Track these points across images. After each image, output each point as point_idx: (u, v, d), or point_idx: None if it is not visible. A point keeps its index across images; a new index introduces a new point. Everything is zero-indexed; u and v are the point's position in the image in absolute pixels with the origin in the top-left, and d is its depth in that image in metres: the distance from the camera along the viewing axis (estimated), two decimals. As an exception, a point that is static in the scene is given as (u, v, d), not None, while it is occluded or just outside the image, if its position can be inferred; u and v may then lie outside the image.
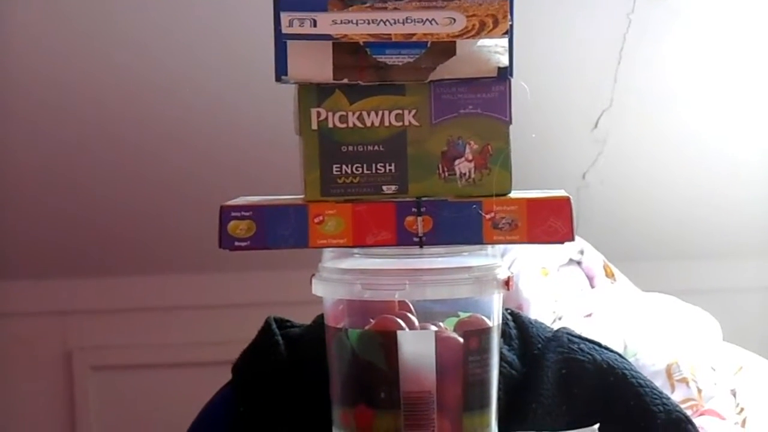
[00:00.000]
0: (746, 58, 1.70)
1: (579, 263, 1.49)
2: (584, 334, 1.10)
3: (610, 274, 1.49)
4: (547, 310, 1.38)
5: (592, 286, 1.48)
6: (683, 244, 1.85)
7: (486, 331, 0.90)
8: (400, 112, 0.90)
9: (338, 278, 0.91)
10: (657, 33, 1.65)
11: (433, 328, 0.90)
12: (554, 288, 1.42)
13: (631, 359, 1.22)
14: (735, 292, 1.86)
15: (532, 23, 1.57)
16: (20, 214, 1.78)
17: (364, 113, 0.90)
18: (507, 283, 0.91)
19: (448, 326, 0.91)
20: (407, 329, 0.89)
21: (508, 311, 1.09)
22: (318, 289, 0.92)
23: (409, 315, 0.90)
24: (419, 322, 0.91)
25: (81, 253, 1.82)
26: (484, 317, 0.91)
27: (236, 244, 0.89)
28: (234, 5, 1.58)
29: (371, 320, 0.90)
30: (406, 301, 0.91)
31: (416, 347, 0.88)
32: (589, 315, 1.38)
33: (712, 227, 1.84)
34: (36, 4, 1.59)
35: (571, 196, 0.90)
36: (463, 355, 0.89)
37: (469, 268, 0.90)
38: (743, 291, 1.88)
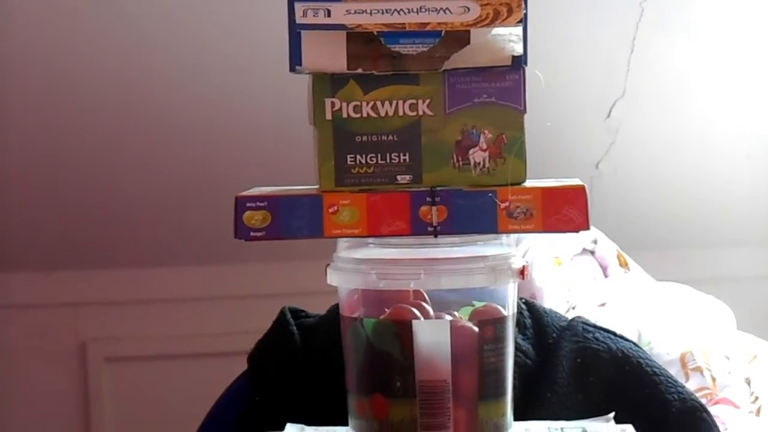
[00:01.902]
0: (759, 44, 1.69)
1: (592, 252, 1.49)
2: (598, 324, 1.10)
3: (623, 264, 1.49)
4: (561, 300, 1.38)
5: (606, 276, 1.48)
6: (697, 233, 1.85)
7: (501, 321, 0.90)
8: (414, 101, 0.90)
9: (353, 268, 0.90)
10: (669, 21, 1.65)
11: (448, 317, 0.90)
12: (568, 277, 1.42)
13: (645, 348, 1.22)
14: (749, 280, 1.85)
15: (546, 12, 1.56)
16: (33, 206, 1.78)
17: (378, 103, 0.90)
18: (522, 272, 0.90)
19: (462, 315, 0.91)
20: (422, 318, 0.89)
21: (523, 300, 1.09)
22: (333, 279, 0.92)
23: (424, 304, 0.90)
24: (434, 311, 0.91)
25: (94, 245, 1.83)
26: (498, 306, 0.91)
27: (251, 234, 0.89)
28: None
29: (386, 310, 0.90)
30: (421, 290, 0.91)
31: (431, 336, 0.88)
32: (603, 304, 1.38)
33: (726, 215, 1.84)
34: (46, 1, 1.59)
35: (585, 185, 0.90)
36: (478, 344, 0.89)
37: (484, 257, 0.90)
38: (757, 279, 1.87)
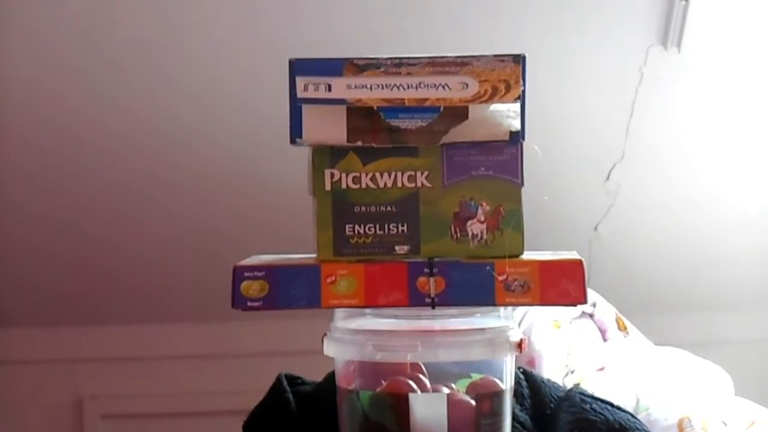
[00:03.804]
0: (757, 110, 1.70)
1: (591, 316, 1.49)
2: (597, 388, 1.10)
3: (622, 327, 1.49)
4: (560, 364, 1.38)
5: (605, 339, 1.48)
6: (695, 296, 1.85)
7: (498, 394, 0.90)
8: (413, 173, 0.91)
9: (350, 339, 0.91)
10: (668, 86, 1.66)
11: (445, 390, 0.90)
12: (566, 341, 1.41)
13: (643, 414, 1.21)
14: (748, 343, 1.85)
15: (546, 76, 1.58)
16: (31, 262, 1.78)
17: (377, 174, 0.91)
18: (520, 345, 0.90)
19: (460, 388, 0.90)
20: (419, 391, 0.89)
21: (521, 370, 1.09)
22: (329, 350, 0.92)
23: (421, 377, 0.90)
24: (431, 381, 0.91)
25: (92, 302, 1.83)
26: (496, 379, 0.91)
27: (249, 304, 0.89)
28: (250, 63, 1.59)
29: (383, 382, 0.90)
30: (418, 362, 0.90)
31: (428, 410, 0.88)
32: (602, 369, 1.37)
33: (724, 279, 1.84)
34: (42, 58, 1.60)
35: (583, 259, 0.90)
36: (475, 418, 0.89)
37: (482, 330, 0.90)
38: (756, 342, 1.87)
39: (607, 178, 1.74)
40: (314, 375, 1.12)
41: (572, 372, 1.37)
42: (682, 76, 1.64)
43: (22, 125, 1.65)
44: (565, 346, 1.40)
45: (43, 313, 1.83)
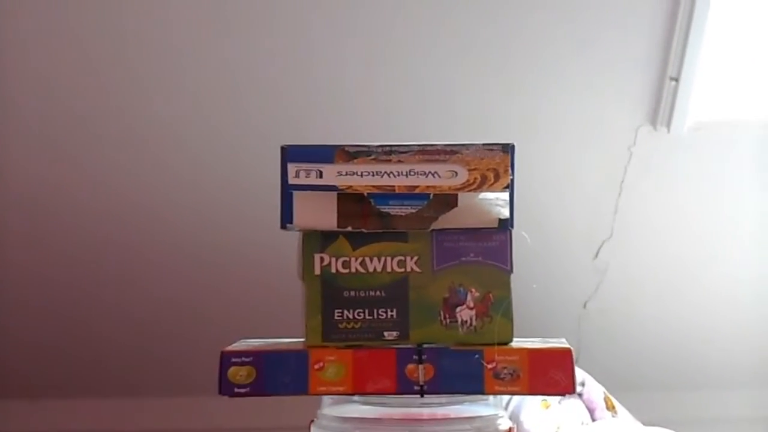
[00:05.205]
0: (746, 189, 1.71)
1: (580, 395, 1.48)
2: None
3: (611, 407, 1.48)
4: (548, 444, 1.37)
5: (593, 419, 1.47)
6: (684, 375, 1.84)
7: (486, 483, 0.89)
8: (402, 258, 0.91)
9: (337, 427, 0.90)
10: (657, 165, 1.67)
11: (433, 479, 0.89)
12: (555, 421, 1.40)
13: (631, 495, 1.20)
14: (735, 422, 1.84)
15: (535, 152, 1.59)
16: (19, 334, 1.77)
17: (367, 259, 0.91)
18: (508, 434, 0.90)
19: (447, 477, 0.90)
20: (406, 481, 0.88)
21: (509, 455, 1.08)
22: (316, 438, 0.91)
23: (409, 465, 0.90)
24: (418, 469, 0.90)
25: (79, 375, 1.82)
26: (484, 468, 0.90)
27: (236, 390, 0.89)
28: (241, 147, 1.60)
29: (370, 470, 0.89)
30: (406, 450, 0.90)
31: (415, 500, 0.87)
32: (590, 449, 1.36)
33: (713, 358, 1.83)
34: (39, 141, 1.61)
35: (572, 348, 0.89)
36: (463, 508, 0.88)
37: (471, 418, 0.89)
38: (743, 421, 1.86)
39: (596, 255, 1.74)
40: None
41: (561, 452, 1.36)
42: (671, 155, 1.65)
43: (23, 187, 1.66)
44: (554, 426, 1.39)
45: (31, 386, 1.82)
